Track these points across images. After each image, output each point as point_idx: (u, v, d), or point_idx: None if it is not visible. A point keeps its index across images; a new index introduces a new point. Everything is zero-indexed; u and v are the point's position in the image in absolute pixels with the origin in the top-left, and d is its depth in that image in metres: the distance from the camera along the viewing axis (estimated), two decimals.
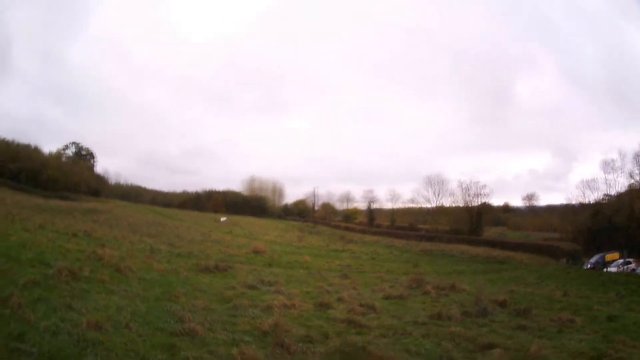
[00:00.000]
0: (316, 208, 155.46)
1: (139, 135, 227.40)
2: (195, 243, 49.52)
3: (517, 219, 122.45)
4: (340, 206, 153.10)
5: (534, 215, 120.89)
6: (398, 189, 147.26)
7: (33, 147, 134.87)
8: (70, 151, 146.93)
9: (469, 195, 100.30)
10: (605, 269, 54.34)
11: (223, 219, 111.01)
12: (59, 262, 18.99)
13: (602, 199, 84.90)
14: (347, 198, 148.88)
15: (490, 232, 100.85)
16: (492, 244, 75.34)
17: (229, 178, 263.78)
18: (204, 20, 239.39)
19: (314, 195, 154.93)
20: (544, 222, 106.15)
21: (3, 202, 58.76)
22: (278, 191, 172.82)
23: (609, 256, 57.64)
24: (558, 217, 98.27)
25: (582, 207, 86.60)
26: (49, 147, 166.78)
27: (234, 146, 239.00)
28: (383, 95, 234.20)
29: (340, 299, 21.78)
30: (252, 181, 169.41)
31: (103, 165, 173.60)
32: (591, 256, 60.60)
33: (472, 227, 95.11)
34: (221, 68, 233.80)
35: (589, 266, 57.15)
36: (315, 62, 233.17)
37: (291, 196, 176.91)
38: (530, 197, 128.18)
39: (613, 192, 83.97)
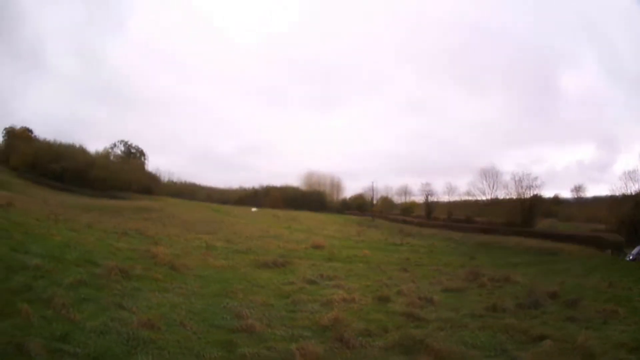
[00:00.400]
0: (374, 202, 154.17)
1: (191, 133, 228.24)
2: (254, 239, 49.18)
3: (566, 211, 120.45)
4: (398, 200, 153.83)
5: (581, 206, 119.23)
6: (454, 181, 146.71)
7: (78, 146, 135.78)
8: (119, 150, 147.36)
9: (521, 187, 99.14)
10: None
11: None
12: (107, 261, 19.29)
13: None
14: (405, 191, 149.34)
15: (542, 224, 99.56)
16: (543, 235, 74.06)
17: (286, 173, 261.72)
18: (251, 18, 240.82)
19: (372, 189, 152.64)
20: (591, 213, 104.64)
21: (46, 203, 59.47)
22: (336, 185, 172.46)
23: None
24: (604, 208, 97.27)
25: (625, 198, 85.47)
26: (95, 146, 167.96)
27: (290, 141, 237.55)
28: (437, 87, 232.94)
29: (399, 293, 21.81)
30: (310, 176, 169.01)
31: (154, 163, 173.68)
32: (634, 247, 59.87)
33: (525, 219, 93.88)
34: (273, 64, 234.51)
35: (630, 258, 56.42)
36: (367, 55, 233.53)
37: (349, 190, 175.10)
38: (578, 188, 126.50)
39: None
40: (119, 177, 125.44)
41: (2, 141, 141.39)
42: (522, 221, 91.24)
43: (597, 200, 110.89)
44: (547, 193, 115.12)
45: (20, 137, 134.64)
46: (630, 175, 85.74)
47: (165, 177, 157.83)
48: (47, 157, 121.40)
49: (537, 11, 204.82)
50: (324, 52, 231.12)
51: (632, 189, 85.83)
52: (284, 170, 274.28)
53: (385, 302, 19.28)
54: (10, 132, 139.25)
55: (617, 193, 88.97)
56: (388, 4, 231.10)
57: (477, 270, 31.01)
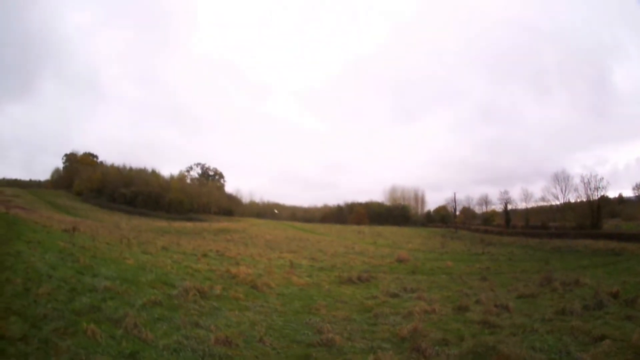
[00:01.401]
0: (457, 213, 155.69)
1: (273, 153, 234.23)
2: (338, 256, 49.99)
3: (629, 210, 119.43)
4: (478, 209, 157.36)
5: None
6: (530, 188, 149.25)
7: (150, 170, 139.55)
8: (195, 172, 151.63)
9: (590, 190, 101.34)
10: None
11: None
12: (185, 282, 19.58)
13: None
14: (485, 201, 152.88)
15: (608, 225, 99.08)
16: (609, 236, 73.66)
17: (369, 189, 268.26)
18: (332, 37, 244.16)
19: (454, 200, 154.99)
20: None
21: (117, 227, 61.13)
22: (420, 199, 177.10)
23: None
24: None
25: None
26: (168, 170, 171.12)
27: (373, 157, 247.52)
28: (505, 96, 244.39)
29: (477, 301, 21.99)
30: (393, 190, 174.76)
31: (234, 184, 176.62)
32: None
33: (593, 221, 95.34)
34: (355, 81, 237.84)
35: None
36: (441, 67, 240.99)
37: (432, 203, 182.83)
38: (639, 186, 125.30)
39: None
40: (196, 199, 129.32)
41: (63, 167, 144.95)
42: (590, 223, 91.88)
43: None
44: (612, 193, 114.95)
45: (83, 162, 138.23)
46: None
47: (246, 198, 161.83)
48: (116, 182, 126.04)
49: (588, 7, 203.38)
50: (402, 68, 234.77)
51: None
52: (367, 186, 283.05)
53: (463, 312, 19.54)
54: (72, 158, 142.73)
55: None
56: (451, 16, 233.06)
57: (550, 275, 30.61)
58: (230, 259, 36.22)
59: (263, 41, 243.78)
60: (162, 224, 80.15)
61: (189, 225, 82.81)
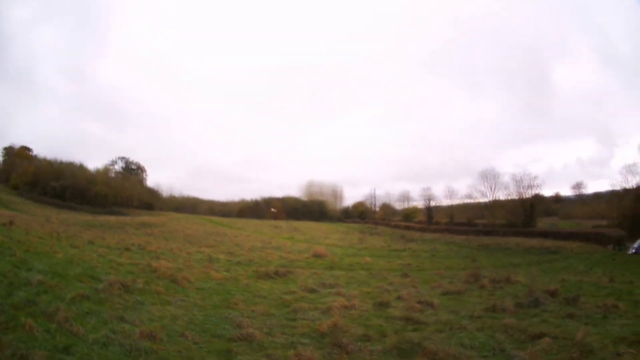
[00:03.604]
0: (376, 209, 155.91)
1: (191, 147, 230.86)
2: (255, 250, 50.24)
3: (567, 208, 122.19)
4: (399, 206, 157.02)
5: (582, 203, 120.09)
6: (454, 185, 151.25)
7: (78, 164, 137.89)
8: (119, 166, 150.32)
9: (522, 188, 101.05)
10: None
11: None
12: (110, 276, 19.48)
13: None
14: (406, 197, 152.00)
15: (543, 223, 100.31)
16: (544, 234, 75.24)
17: (287, 184, 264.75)
18: (252, 33, 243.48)
19: (372, 196, 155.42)
20: (593, 209, 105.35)
21: (48, 221, 60.11)
22: (337, 194, 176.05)
23: None
24: (605, 203, 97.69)
25: (626, 192, 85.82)
26: (95, 163, 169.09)
27: (290, 152, 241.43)
28: (433, 92, 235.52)
29: (399, 298, 21.90)
30: (310, 186, 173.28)
31: (155, 178, 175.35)
32: (635, 241, 59.99)
33: (526, 219, 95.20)
34: (272, 77, 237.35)
35: (632, 251, 56.62)
36: (363, 63, 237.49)
37: (350, 199, 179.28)
38: (578, 185, 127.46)
39: None
40: (119, 193, 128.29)
41: (2, 160, 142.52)
42: (523, 221, 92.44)
43: (597, 196, 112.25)
44: (547, 192, 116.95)
45: (19, 156, 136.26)
46: (630, 169, 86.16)
47: (166, 192, 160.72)
48: (48, 176, 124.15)
49: (527, 4, 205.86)
50: (321, 63, 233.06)
51: (632, 182, 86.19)
52: (285, 181, 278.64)
53: (385, 308, 19.45)
54: (10, 151, 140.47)
55: (618, 187, 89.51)
56: (379, 9, 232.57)
57: (477, 272, 31.14)
58: (151, 253, 36.20)
59: (187, 36, 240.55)
60: (88, 217, 79.21)
61: (112, 219, 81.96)
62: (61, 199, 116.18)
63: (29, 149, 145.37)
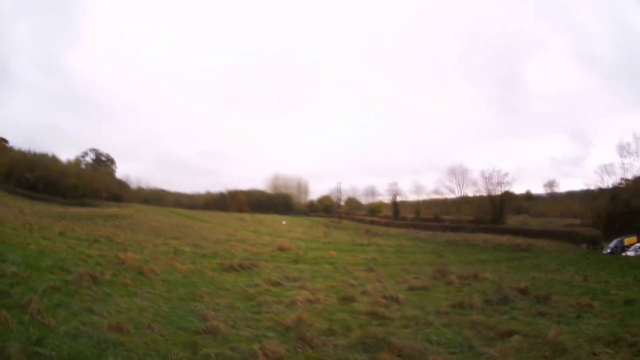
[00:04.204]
0: (341, 203, 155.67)
1: (158, 139, 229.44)
2: (220, 243, 50.21)
3: (538, 207, 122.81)
4: (365, 200, 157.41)
5: (555, 202, 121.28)
6: (421, 180, 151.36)
7: (50, 155, 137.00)
8: (89, 158, 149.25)
9: (491, 184, 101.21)
10: (623, 253, 54.14)
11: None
12: (79, 268, 19.47)
13: (620, 183, 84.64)
14: (372, 192, 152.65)
15: (513, 220, 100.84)
16: (515, 232, 75.72)
17: (253, 177, 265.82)
18: (213, 25, 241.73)
19: (338, 190, 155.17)
20: (565, 208, 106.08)
21: (22, 212, 60.11)
22: (303, 188, 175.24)
23: (627, 240, 57.33)
24: (578, 202, 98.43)
25: (601, 192, 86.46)
26: (66, 155, 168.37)
27: (257, 145, 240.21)
28: (401, 86, 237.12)
29: (364, 292, 21.91)
30: (275, 179, 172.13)
31: (123, 170, 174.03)
32: (610, 241, 60.32)
33: (495, 216, 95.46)
34: (236, 68, 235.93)
35: (608, 251, 57.01)
36: (327, 55, 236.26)
37: (316, 192, 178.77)
38: (550, 183, 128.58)
39: (630, 176, 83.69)
40: (89, 185, 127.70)
41: None
42: (492, 218, 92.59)
43: (570, 195, 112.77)
44: (519, 189, 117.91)
45: None
46: (606, 169, 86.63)
47: (134, 184, 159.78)
48: (23, 167, 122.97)
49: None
50: (288, 56, 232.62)
51: (608, 182, 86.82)
52: (251, 173, 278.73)
53: (349, 302, 19.48)
54: None
55: (593, 187, 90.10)
56: (344, 2, 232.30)
57: (444, 268, 31.17)
58: (118, 244, 35.98)
59: (155, 26, 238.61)
60: (59, 209, 79.32)
61: (82, 210, 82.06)
62: (34, 191, 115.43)
63: (5, 140, 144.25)
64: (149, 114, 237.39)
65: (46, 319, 11.94)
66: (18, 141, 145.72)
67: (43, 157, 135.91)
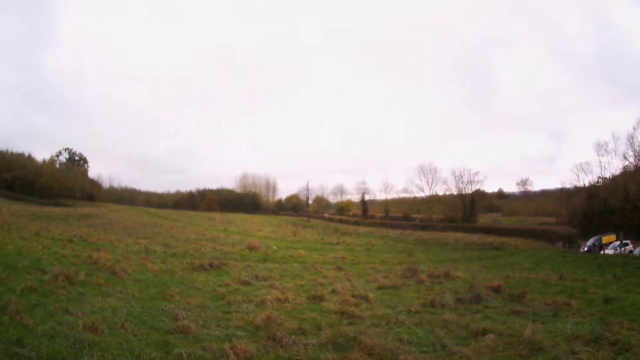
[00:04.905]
0: (310, 202, 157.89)
1: (129, 138, 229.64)
2: (190, 242, 50.14)
3: (511, 205, 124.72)
4: (333, 199, 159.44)
5: (528, 200, 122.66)
6: (391, 179, 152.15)
7: (27, 155, 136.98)
8: (63, 157, 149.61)
9: (462, 183, 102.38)
10: (601, 252, 54.45)
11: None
12: (54, 268, 19.42)
13: (597, 182, 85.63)
14: (340, 190, 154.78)
15: (485, 219, 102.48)
16: (486, 230, 76.20)
17: (222, 176, 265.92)
18: (181, 20, 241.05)
19: (306, 189, 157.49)
20: (539, 206, 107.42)
21: (0, 213, 59.24)
22: (271, 187, 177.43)
23: (605, 238, 57.72)
24: (553, 201, 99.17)
25: (577, 190, 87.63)
26: (42, 154, 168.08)
27: (225, 144, 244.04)
28: (370, 85, 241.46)
29: (333, 291, 21.88)
30: (244, 178, 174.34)
31: (96, 169, 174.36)
32: (587, 239, 60.90)
33: (466, 215, 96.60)
34: (205, 67, 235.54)
35: (585, 249, 57.42)
36: (296, 51, 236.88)
37: (284, 191, 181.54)
38: (524, 182, 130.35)
39: (607, 174, 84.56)
40: (64, 184, 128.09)
41: None
42: (463, 217, 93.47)
43: (544, 194, 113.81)
44: (491, 188, 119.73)
45: None
46: (582, 167, 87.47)
47: (106, 184, 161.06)
48: (1, 167, 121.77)
49: None
50: (254, 53, 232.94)
51: (584, 180, 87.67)
52: (220, 172, 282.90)
53: (319, 301, 19.46)
54: None
55: (568, 185, 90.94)
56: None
57: (414, 267, 31.15)
58: (92, 244, 35.94)
59: (128, 27, 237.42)
60: (35, 209, 78.99)
61: (57, 210, 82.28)
62: (12, 190, 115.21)
63: None
64: (120, 112, 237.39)
65: (24, 319, 11.94)
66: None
67: (20, 156, 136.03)
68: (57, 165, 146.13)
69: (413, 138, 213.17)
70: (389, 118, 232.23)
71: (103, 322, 12.90)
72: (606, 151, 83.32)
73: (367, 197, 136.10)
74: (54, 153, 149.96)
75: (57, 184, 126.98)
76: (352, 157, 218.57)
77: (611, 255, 50.10)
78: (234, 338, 12.70)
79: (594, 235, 61.77)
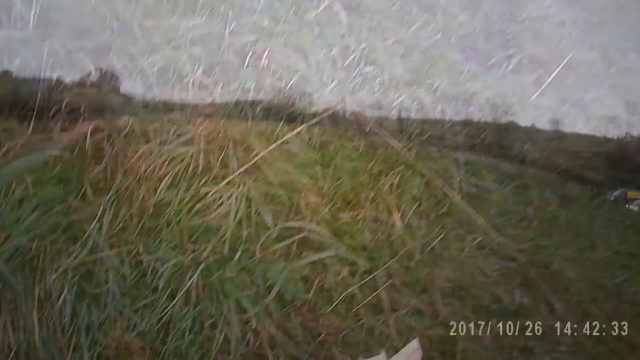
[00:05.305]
0: None
1: None
2: None
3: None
4: None
5: (559, 139, 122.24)
6: None
7: (54, 79, 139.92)
8: (95, 77, 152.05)
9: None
10: (627, 205, 54.29)
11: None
12: None
13: (625, 137, 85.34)
14: None
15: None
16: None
17: None
18: None
19: None
20: (570, 147, 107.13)
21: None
22: None
23: (630, 194, 57.48)
24: (585, 145, 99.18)
25: (607, 140, 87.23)
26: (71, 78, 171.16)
27: None
28: None
29: None
30: None
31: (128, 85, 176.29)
32: (613, 189, 61.15)
33: None
34: None
35: (612, 198, 57.46)
36: None
37: None
38: (556, 121, 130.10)
39: (635, 133, 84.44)
40: (94, 102, 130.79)
41: None
42: None
43: (575, 135, 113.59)
44: (525, 122, 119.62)
45: None
46: (612, 120, 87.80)
47: (139, 98, 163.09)
48: None
49: None
50: None
51: (614, 134, 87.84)
52: None
53: None
54: None
55: (598, 134, 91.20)
56: None
57: None
58: None
59: None
60: None
61: None
62: None
63: None
64: None
65: None
66: None
67: (47, 81, 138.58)
68: (88, 85, 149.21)
69: None
70: None
71: None
72: (634, 110, 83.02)
73: None
74: (84, 74, 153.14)
75: (87, 101, 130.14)
76: None
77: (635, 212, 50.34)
78: None
79: (620, 187, 61.75)
